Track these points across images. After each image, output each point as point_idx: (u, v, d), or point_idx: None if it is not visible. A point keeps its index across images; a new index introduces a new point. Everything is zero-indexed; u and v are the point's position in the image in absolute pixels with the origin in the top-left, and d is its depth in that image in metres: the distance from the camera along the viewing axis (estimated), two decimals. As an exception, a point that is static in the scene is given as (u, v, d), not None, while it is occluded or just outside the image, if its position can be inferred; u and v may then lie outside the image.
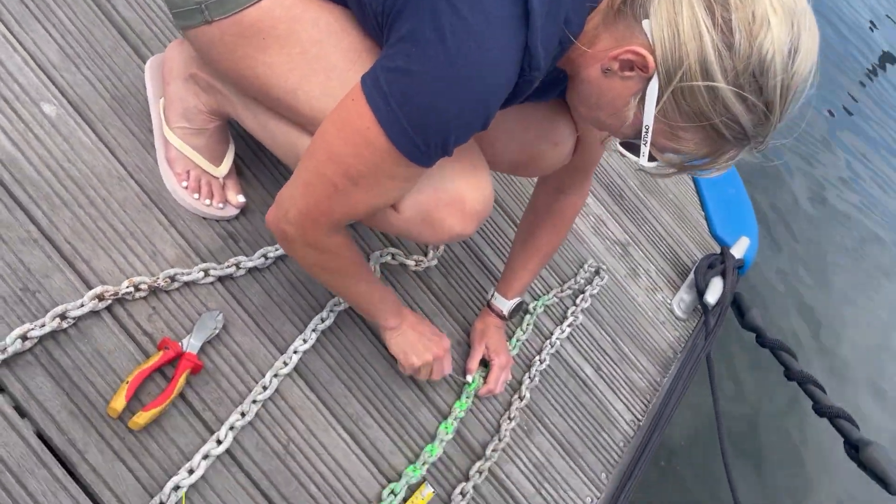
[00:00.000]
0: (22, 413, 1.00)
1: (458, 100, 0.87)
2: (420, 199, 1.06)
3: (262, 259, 1.31)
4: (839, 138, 5.12)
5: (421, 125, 0.88)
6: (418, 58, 0.85)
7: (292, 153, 1.15)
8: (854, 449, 1.90)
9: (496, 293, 1.53)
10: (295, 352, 1.27)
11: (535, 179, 1.49)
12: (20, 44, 1.24)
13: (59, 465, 1.00)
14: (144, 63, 1.35)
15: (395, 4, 0.88)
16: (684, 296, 2.19)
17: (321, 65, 1.03)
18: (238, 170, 1.38)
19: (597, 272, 1.98)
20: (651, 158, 0.94)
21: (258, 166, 1.43)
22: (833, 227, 4.35)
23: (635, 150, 0.95)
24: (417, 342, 1.31)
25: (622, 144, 1.01)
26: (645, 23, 0.85)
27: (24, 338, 1.01)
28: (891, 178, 5.23)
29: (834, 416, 1.97)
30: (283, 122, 1.13)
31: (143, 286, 1.15)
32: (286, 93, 1.06)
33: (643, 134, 0.92)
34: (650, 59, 0.85)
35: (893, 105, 6.09)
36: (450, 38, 0.83)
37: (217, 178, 1.31)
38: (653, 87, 0.87)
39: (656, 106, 0.88)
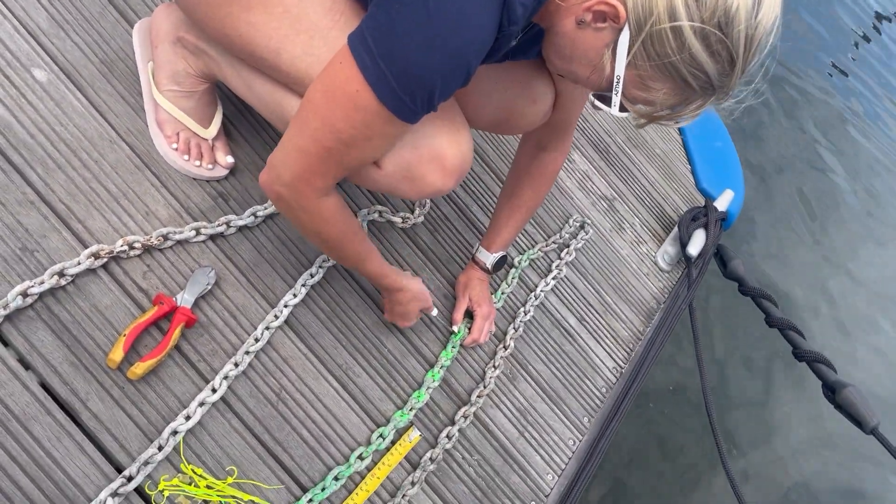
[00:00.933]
0: (26, 365, 1.06)
1: (442, 56, 0.90)
2: (402, 156, 1.10)
3: (252, 217, 1.36)
4: (831, 91, 5.11)
5: (408, 82, 0.92)
6: (402, 16, 0.88)
7: (278, 113, 1.19)
8: (831, 391, 1.98)
9: (480, 247, 1.58)
10: (285, 305, 1.33)
11: (520, 137, 1.53)
12: (10, 10, 1.27)
13: (63, 412, 1.06)
14: (132, 27, 1.38)
15: None
16: (668, 248, 2.25)
17: (303, 24, 1.06)
18: (226, 131, 1.42)
19: (581, 226, 2.03)
20: (622, 109, 0.99)
21: (246, 127, 1.47)
22: (819, 180, 4.39)
23: (608, 101, 0.99)
24: (397, 308, 1.39)
25: (595, 96, 1.05)
26: None
27: (24, 294, 1.07)
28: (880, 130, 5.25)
29: (812, 361, 2.04)
30: (269, 82, 1.16)
31: (136, 245, 1.20)
32: (269, 52, 1.09)
33: (615, 84, 0.96)
34: (622, 9, 0.89)
35: (886, 65, 6.06)
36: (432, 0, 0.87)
37: (206, 140, 1.35)
38: (624, 38, 0.91)
39: (627, 56, 0.92)
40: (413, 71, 0.91)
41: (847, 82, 5.43)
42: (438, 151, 1.12)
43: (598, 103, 1.05)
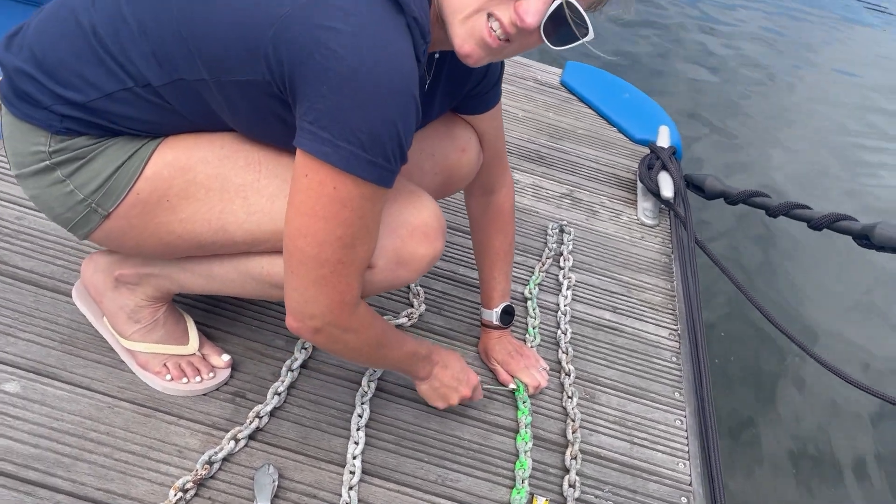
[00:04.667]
0: None
1: (391, 101, 0.87)
2: (385, 247, 1.07)
3: (276, 397, 1.31)
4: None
5: (378, 144, 0.88)
6: (334, 89, 0.84)
7: (250, 282, 1.16)
8: (865, 238, 1.96)
9: (482, 308, 1.55)
10: (353, 457, 1.27)
11: (464, 193, 1.52)
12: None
13: None
14: (70, 296, 1.34)
15: (282, 68, 0.87)
16: (645, 205, 2.25)
17: (231, 192, 1.05)
18: (206, 334, 1.37)
19: (561, 230, 2.02)
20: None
21: (221, 320, 1.43)
22: (742, 82, 4.53)
23: (566, 36, 0.92)
24: (449, 385, 1.32)
25: (555, 43, 0.94)
26: None
27: None
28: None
29: (832, 222, 2.02)
30: (226, 261, 1.14)
31: (188, 485, 1.14)
32: (215, 233, 1.07)
33: (572, 9, 0.89)
34: None
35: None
36: (349, 56, 0.83)
37: (194, 354, 1.31)
38: None
39: None
40: (378, 130, 0.87)
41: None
42: (414, 224, 1.10)
43: (563, 48, 0.95)
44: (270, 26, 0.85)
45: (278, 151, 1.06)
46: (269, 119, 0.97)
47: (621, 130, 2.64)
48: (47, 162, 1.01)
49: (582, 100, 2.77)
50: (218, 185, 1.04)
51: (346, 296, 1.00)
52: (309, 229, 0.94)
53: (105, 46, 0.94)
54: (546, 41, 0.94)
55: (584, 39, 0.93)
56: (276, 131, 0.99)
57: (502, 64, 1.32)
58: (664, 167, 2.23)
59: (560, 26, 0.92)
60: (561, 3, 0.89)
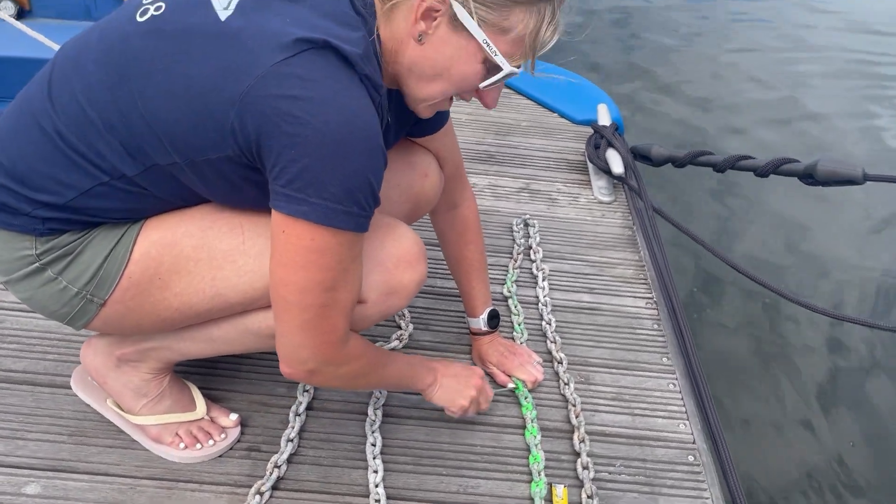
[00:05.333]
0: None
1: (359, 156, 0.92)
2: (373, 280, 1.13)
3: (290, 444, 1.34)
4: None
5: (353, 196, 0.93)
6: (304, 153, 0.89)
7: (250, 338, 1.20)
8: (809, 176, 2.06)
9: (468, 318, 1.61)
10: (375, 485, 1.31)
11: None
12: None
13: None
14: (69, 388, 1.36)
15: (249, 141, 0.92)
16: (599, 183, 2.32)
17: (220, 258, 1.09)
18: (211, 398, 1.40)
19: (526, 224, 2.09)
20: (508, 65, 1.02)
21: (222, 381, 1.46)
22: (669, 47, 4.65)
23: (496, 71, 1.02)
24: (456, 385, 1.36)
25: (484, 86, 1.05)
26: None
27: None
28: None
29: (776, 167, 2.12)
30: (224, 322, 1.18)
31: (225, 547, 1.17)
32: (211, 300, 1.10)
33: (487, 50, 0.99)
34: None
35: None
36: (312, 119, 0.88)
37: (202, 418, 1.34)
38: (459, 10, 0.96)
39: (474, 19, 0.97)
40: (350, 184, 0.92)
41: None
42: (398, 254, 1.15)
43: (490, 83, 1.05)
44: (233, 104, 0.90)
45: (258, 212, 1.11)
46: (244, 187, 1.01)
47: (562, 115, 2.72)
48: (37, 264, 1.04)
49: (519, 92, 2.84)
50: (205, 254, 1.08)
51: (332, 336, 1.05)
52: (290, 278, 0.99)
53: (74, 148, 0.98)
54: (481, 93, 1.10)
55: (506, 72, 1.03)
56: (252, 197, 1.03)
57: None
58: (610, 144, 2.31)
59: (490, 72, 1.05)
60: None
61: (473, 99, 1.12)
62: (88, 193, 1.00)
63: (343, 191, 0.92)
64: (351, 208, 0.94)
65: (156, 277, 1.07)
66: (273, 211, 0.96)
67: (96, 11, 3.14)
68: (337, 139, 0.90)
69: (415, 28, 0.99)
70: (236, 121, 0.90)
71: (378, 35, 1.02)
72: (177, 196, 1.06)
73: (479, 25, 0.97)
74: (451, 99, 1.11)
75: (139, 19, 0.97)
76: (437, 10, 0.97)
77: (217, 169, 0.98)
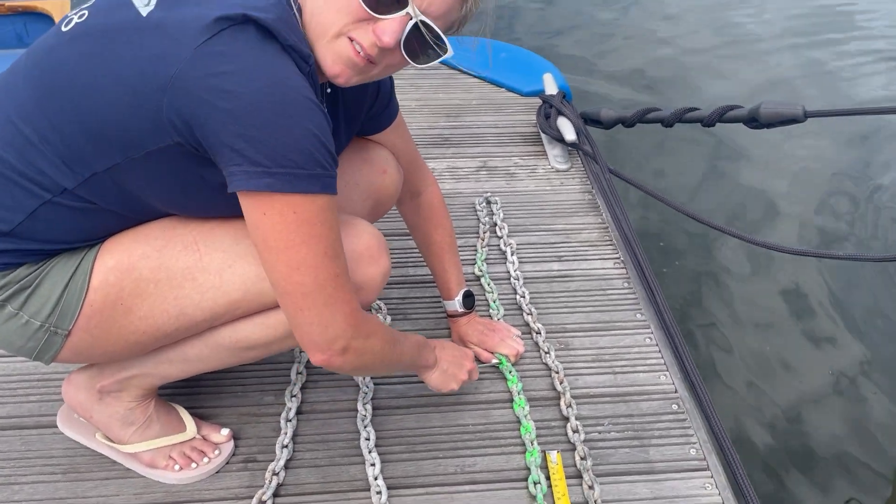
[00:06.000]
0: None
1: (297, 112, 0.91)
2: None
3: (284, 450, 1.36)
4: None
5: (306, 157, 0.92)
6: (245, 125, 0.89)
7: (224, 353, 1.20)
8: (754, 120, 2.12)
9: (444, 301, 1.63)
10: (375, 478, 1.33)
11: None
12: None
13: None
14: (55, 427, 1.36)
15: (189, 126, 0.90)
16: (553, 152, 2.35)
17: (179, 278, 1.08)
18: (198, 415, 1.41)
19: (488, 202, 2.11)
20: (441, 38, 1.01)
21: (206, 398, 1.47)
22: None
23: (434, 47, 1.02)
24: (451, 370, 1.39)
25: (420, 62, 1.03)
26: None
27: None
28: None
29: (721, 116, 2.17)
30: (196, 341, 1.18)
31: (235, 559, 1.19)
32: (177, 319, 1.11)
33: (429, 30, 0.98)
34: None
35: None
36: (244, 89, 0.88)
37: (194, 437, 1.35)
38: None
39: None
40: (301, 143, 0.91)
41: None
42: (359, 250, 1.16)
43: (428, 65, 1.04)
44: (164, 91, 0.89)
45: (210, 227, 1.11)
46: (191, 182, 1.01)
47: (510, 89, 2.73)
48: None
49: (465, 72, 2.85)
50: (164, 275, 1.08)
51: (353, 304, 1.04)
52: (297, 261, 0.97)
53: (12, 167, 0.97)
54: (409, 61, 1.03)
55: (445, 56, 1.03)
56: (202, 196, 1.03)
57: (391, 78, 1.38)
58: (560, 113, 2.34)
59: (420, 46, 1.01)
60: (416, 24, 0.98)
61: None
62: (34, 216, 1.00)
63: (298, 153, 0.91)
64: (314, 170, 0.93)
65: (118, 303, 1.07)
66: (241, 199, 0.94)
67: (28, 38, 3.07)
68: (273, 100, 0.89)
69: None
70: (170, 108, 0.90)
71: (298, 6, 1.00)
72: (126, 207, 1.05)
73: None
74: (362, 55, 1.00)
75: (64, 30, 0.98)
76: None
77: (160, 163, 0.97)
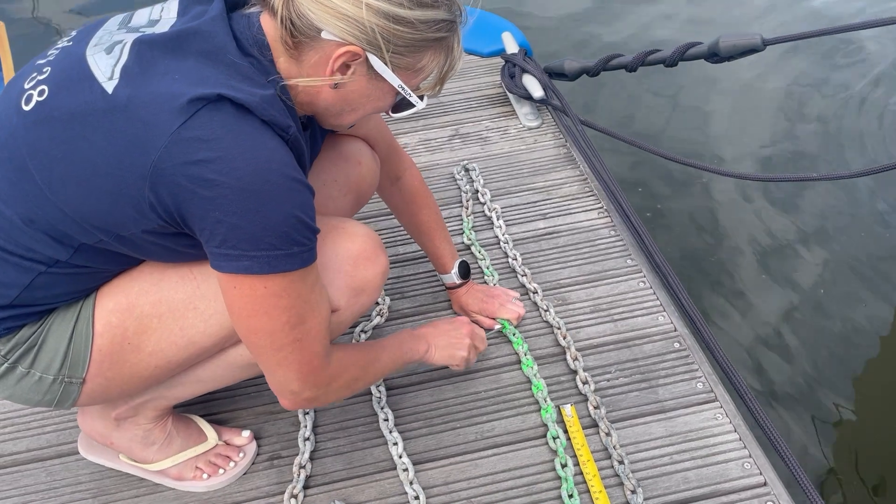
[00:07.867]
0: None
1: (279, 197, 0.93)
2: (339, 287, 1.15)
3: (307, 443, 1.39)
4: None
5: (284, 239, 0.94)
6: (227, 212, 0.90)
7: (237, 371, 1.22)
8: (714, 55, 2.13)
9: (440, 275, 1.65)
10: (399, 456, 1.37)
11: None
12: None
13: None
14: (77, 453, 1.38)
15: (170, 211, 0.92)
16: (522, 110, 2.35)
17: (180, 308, 1.10)
18: (217, 422, 1.43)
19: (466, 170, 2.12)
20: (421, 99, 1.09)
21: (221, 404, 1.49)
22: None
23: (407, 106, 1.09)
24: (449, 341, 1.40)
25: (394, 112, 1.13)
26: (324, 34, 0.95)
27: None
28: None
29: (682, 55, 2.18)
30: (209, 364, 1.20)
31: (277, 555, 1.22)
32: (185, 349, 1.12)
33: (403, 93, 1.04)
34: (353, 49, 0.96)
35: None
36: (225, 178, 0.89)
37: (217, 444, 1.37)
38: (375, 62, 0.98)
39: (389, 68, 1.00)
40: (281, 228, 0.93)
41: None
42: (355, 254, 1.17)
43: (402, 115, 1.13)
44: (144, 179, 0.90)
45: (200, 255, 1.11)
46: (179, 249, 1.03)
47: (470, 52, 2.71)
48: (6, 364, 1.05)
49: (422, 40, 2.82)
50: (165, 308, 1.09)
51: (313, 363, 1.07)
52: (255, 326, 1.00)
53: (2, 248, 0.98)
54: (391, 115, 1.14)
55: (417, 108, 1.10)
56: (191, 255, 1.05)
57: None
58: (524, 70, 2.34)
59: (400, 105, 1.12)
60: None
61: None
62: (31, 287, 1.01)
63: (277, 237, 0.93)
64: (291, 249, 0.95)
65: (125, 343, 1.08)
66: (217, 274, 0.97)
67: None
68: (254, 190, 0.90)
69: (330, 78, 1.00)
70: (151, 195, 0.91)
71: (280, 74, 1.00)
72: (118, 265, 1.08)
73: (394, 71, 1.01)
74: None
75: (25, 108, 0.95)
76: (352, 64, 0.99)
77: (146, 240, 0.99)
